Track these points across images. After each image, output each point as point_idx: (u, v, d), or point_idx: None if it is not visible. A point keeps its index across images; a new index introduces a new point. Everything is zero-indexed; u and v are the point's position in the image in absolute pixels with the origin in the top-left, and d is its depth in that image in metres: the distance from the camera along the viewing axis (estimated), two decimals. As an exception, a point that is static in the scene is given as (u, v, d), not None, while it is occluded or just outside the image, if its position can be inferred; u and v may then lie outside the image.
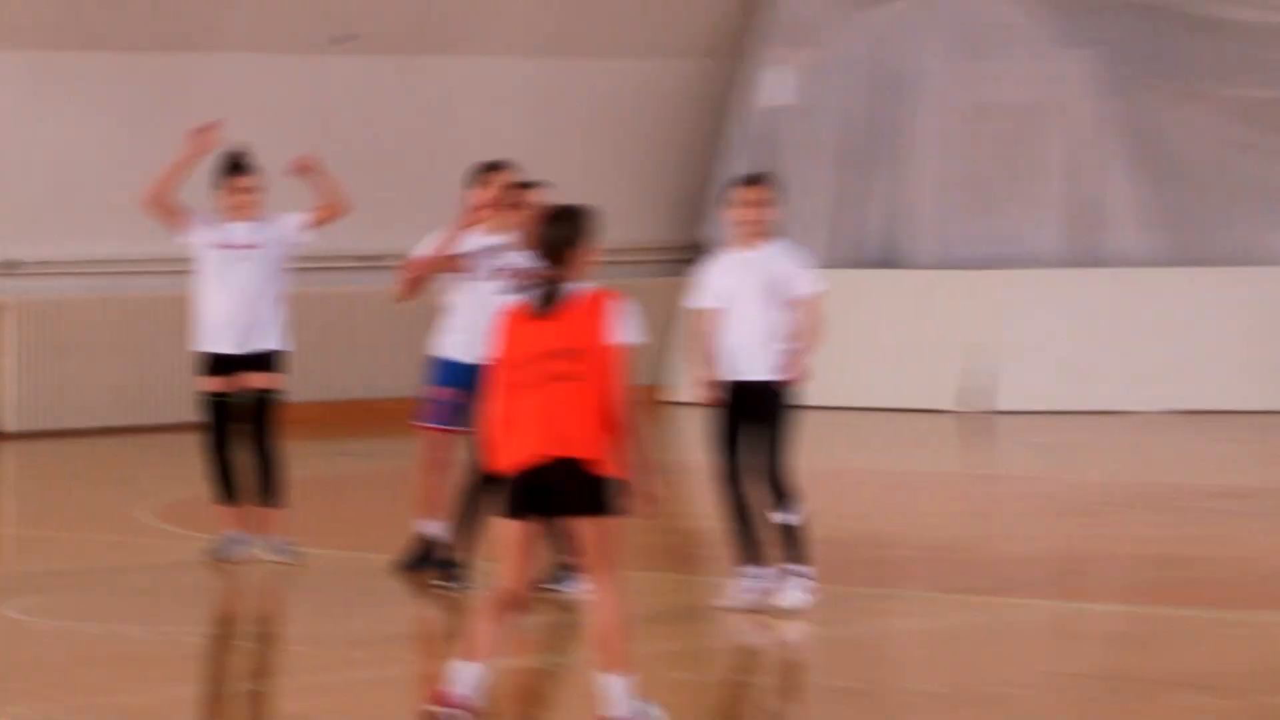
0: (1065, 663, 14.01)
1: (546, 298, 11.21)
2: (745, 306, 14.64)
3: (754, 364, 14.53)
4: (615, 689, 11.07)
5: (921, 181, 28.30)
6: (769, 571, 14.79)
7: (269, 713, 13.01)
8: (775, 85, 29.16)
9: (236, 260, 16.75)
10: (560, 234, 11.02)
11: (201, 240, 16.32)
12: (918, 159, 28.34)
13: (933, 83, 28.43)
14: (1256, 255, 27.33)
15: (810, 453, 16.35)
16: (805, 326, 14.63)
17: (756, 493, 14.77)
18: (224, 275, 16.73)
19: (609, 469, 10.87)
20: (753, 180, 14.93)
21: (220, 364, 16.18)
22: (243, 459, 16.56)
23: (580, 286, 10.95)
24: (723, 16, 30.19)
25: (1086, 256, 27.38)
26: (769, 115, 28.84)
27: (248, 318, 16.71)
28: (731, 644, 14.69)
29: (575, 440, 10.83)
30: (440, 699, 11.00)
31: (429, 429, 16.10)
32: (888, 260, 28.02)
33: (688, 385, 17.64)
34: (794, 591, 14.55)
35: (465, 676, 11.00)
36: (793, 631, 14.84)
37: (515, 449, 10.91)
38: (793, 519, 14.63)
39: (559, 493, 10.96)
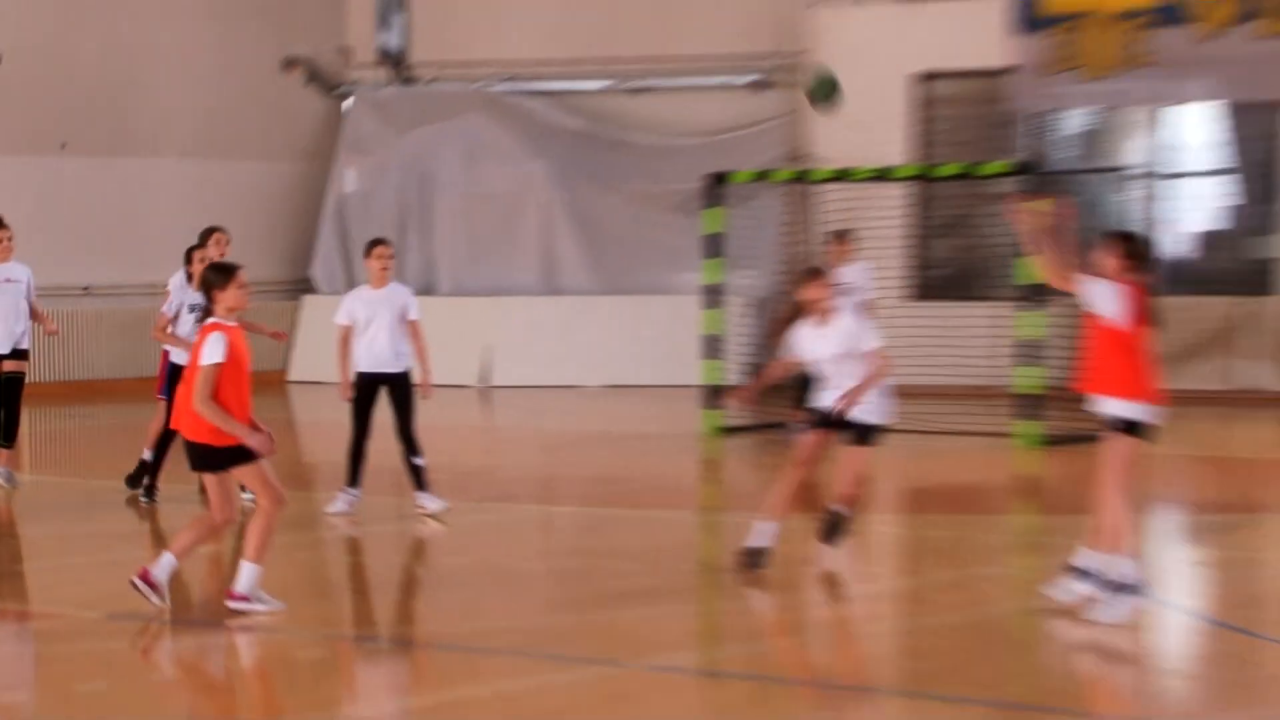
0: (548, 544, 15.18)
1: (199, 324, 11.81)
2: (380, 325, 14.84)
3: (388, 362, 14.81)
4: (247, 572, 11.26)
5: (443, 241, 28.90)
6: (357, 492, 15.10)
7: (32, 585, 13.30)
8: (349, 180, 29.41)
9: (5, 289, 16.85)
10: (207, 281, 11.22)
11: None
12: (440, 227, 28.96)
13: (448, 178, 28.90)
14: (660, 288, 27.46)
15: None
16: (420, 343, 14.98)
17: (399, 445, 15.08)
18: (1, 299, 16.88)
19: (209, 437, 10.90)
20: (381, 241, 15.37)
21: None
22: None
23: (218, 319, 11.11)
24: (316, 134, 30.07)
25: (551, 289, 28.23)
26: (346, 199, 29.31)
27: (11, 326, 16.72)
28: (341, 535, 15.00)
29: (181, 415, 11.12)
30: (144, 576, 11.11)
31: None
32: (427, 290, 26.61)
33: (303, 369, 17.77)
34: (432, 502, 14.93)
35: (164, 564, 11.17)
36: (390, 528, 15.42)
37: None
38: (420, 461, 15.12)
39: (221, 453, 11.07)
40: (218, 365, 10.85)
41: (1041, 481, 18.47)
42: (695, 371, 22.15)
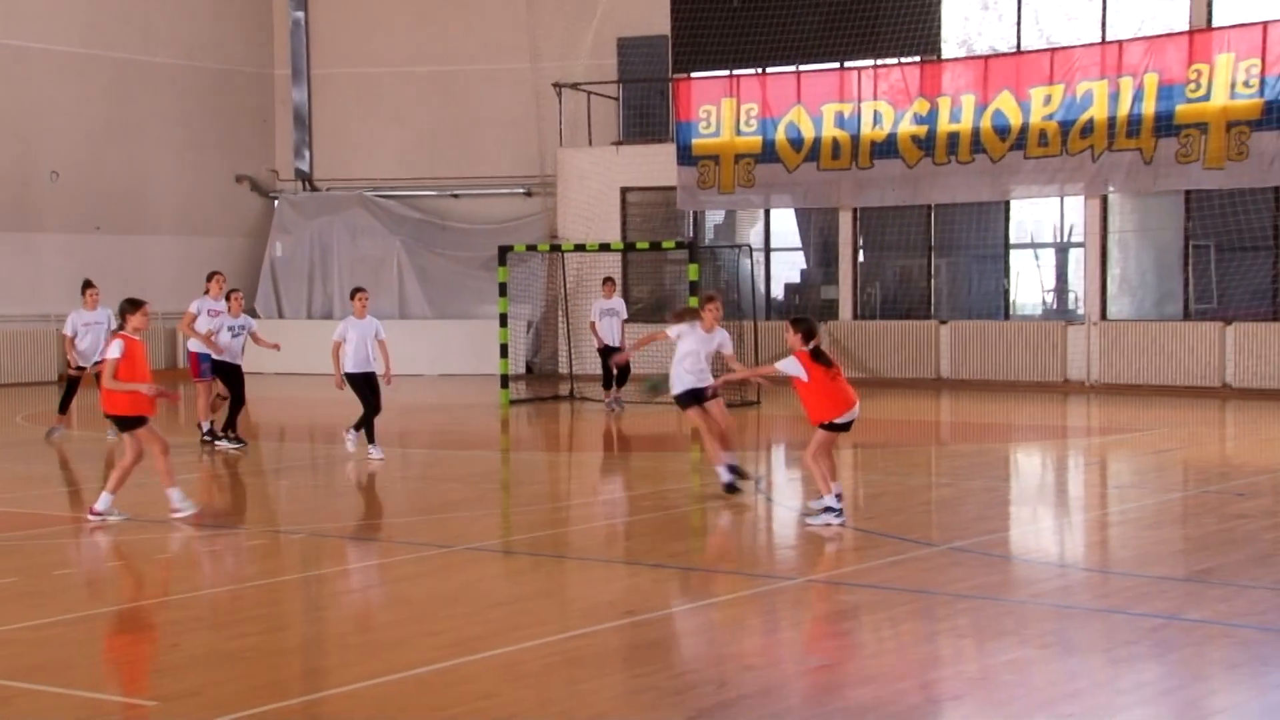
0: (405, 471, 14.26)
1: (234, 338, 12.77)
2: (362, 340, 14.15)
3: (367, 363, 14.12)
4: (174, 495, 10.78)
5: (336, 286, 27.68)
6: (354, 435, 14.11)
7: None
8: (278, 249, 28.66)
9: (93, 328, 16.01)
10: (123, 308, 10.85)
11: None
12: (335, 278, 27.88)
13: (339, 248, 28.26)
14: (472, 315, 26.65)
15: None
16: (384, 352, 14.20)
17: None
18: (91, 334, 16.00)
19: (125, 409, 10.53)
20: (361, 289, 14.53)
21: None
22: None
23: (126, 333, 10.64)
24: (257, 221, 29.39)
25: (404, 314, 26.81)
26: (276, 261, 28.53)
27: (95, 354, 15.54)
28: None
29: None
30: (91, 510, 10.66)
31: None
32: (326, 316, 27.06)
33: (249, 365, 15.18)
34: (376, 451, 13.90)
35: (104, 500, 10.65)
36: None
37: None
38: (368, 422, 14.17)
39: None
40: (118, 360, 10.66)
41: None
42: (494, 364, 21.93)
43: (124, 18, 27.58)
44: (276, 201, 29.81)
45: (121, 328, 10.81)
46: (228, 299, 15.34)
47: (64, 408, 16.34)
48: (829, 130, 24.27)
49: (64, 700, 6.27)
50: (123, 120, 27.46)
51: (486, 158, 28.77)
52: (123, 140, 27.47)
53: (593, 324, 20.02)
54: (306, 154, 30.11)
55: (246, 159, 29.74)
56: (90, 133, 26.97)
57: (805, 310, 25.50)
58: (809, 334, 10.52)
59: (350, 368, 14.35)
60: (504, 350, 21.42)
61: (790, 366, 10.44)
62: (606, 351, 19.50)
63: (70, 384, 16.34)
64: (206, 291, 15.83)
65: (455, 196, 29.24)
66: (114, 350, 10.83)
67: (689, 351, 11.91)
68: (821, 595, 8.44)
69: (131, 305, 10.92)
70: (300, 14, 29.81)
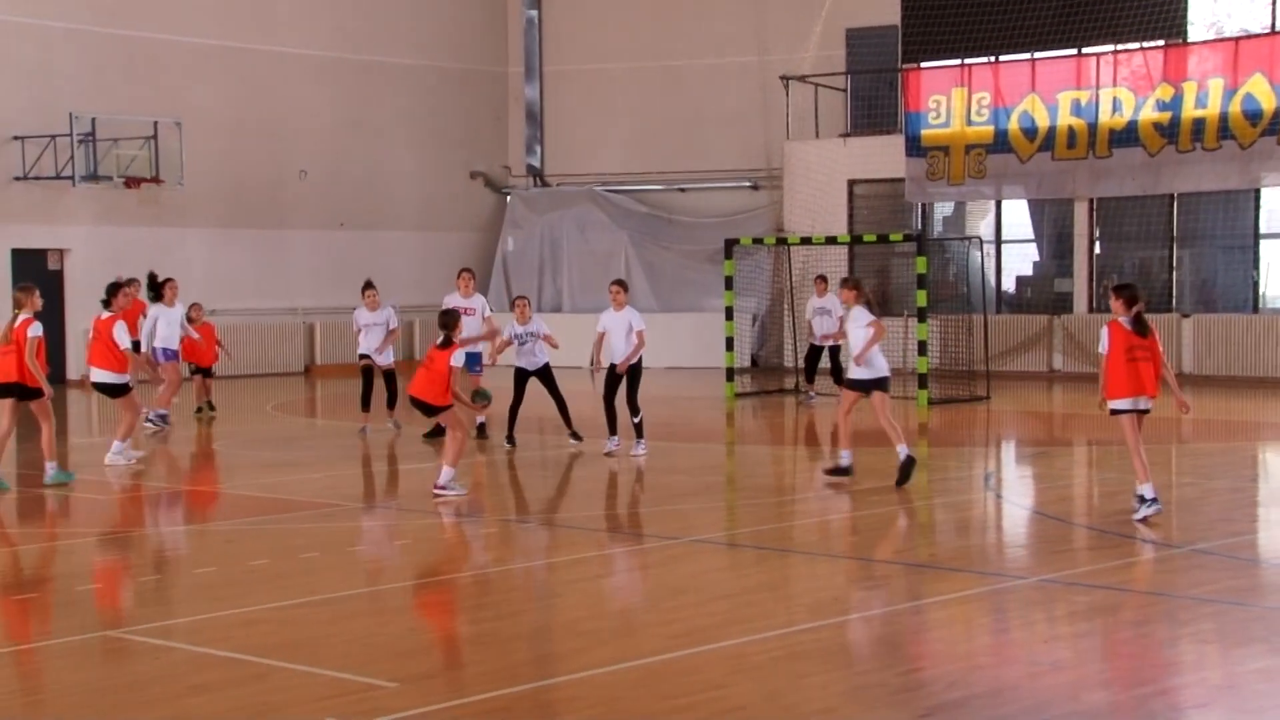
0: (634, 464, 13.85)
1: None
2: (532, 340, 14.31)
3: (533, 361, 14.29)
4: (446, 472, 11.33)
5: (566, 280, 28.37)
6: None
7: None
8: (509, 243, 29.17)
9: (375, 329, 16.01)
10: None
11: None
12: (564, 272, 28.52)
13: (568, 243, 28.53)
14: (697, 308, 26.54)
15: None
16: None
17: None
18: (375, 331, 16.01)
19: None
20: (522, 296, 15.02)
21: None
22: None
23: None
24: (490, 217, 29.85)
25: None
26: (508, 255, 29.06)
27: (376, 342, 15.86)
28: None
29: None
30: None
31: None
32: (556, 309, 27.15)
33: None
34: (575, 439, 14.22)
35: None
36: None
37: None
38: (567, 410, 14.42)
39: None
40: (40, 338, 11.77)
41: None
42: (720, 358, 21.97)
43: (368, 21, 28.46)
44: (509, 197, 30.25)
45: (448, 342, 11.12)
46: (512, 307, 15.12)
47: (366, 404, 16.17)
48: (1064, 119, 23.62)
49: (312, 679, 6.54)
50: (365, 120, 28.21)
51: (713, 151, 28.69)
52: (365, 139, 28.21)
53: (808, 322, 19.84)
54: (538, 150, 30.54)
55: (480, 156, 30.25)
56: (336, 132, 27.91)
57: (1038, 303, 24.91)
58: (1131, 300, 10.15)
59: (522, 361, 14.59)
60: (729, 343, 21.35)
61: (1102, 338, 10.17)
62: (816, 349, 19.24)
63: (365, 376, 16.16)
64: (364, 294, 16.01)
65: (682, 190, 29.26)
66: (36, 329, 11.84)
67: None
68: (1055, 596, 8.20)
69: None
70: (534, 13, 30.25)
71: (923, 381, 19.41)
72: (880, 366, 11.93)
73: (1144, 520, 9.97)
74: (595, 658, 6.87)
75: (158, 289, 16.72)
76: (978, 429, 17.01)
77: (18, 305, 12.00)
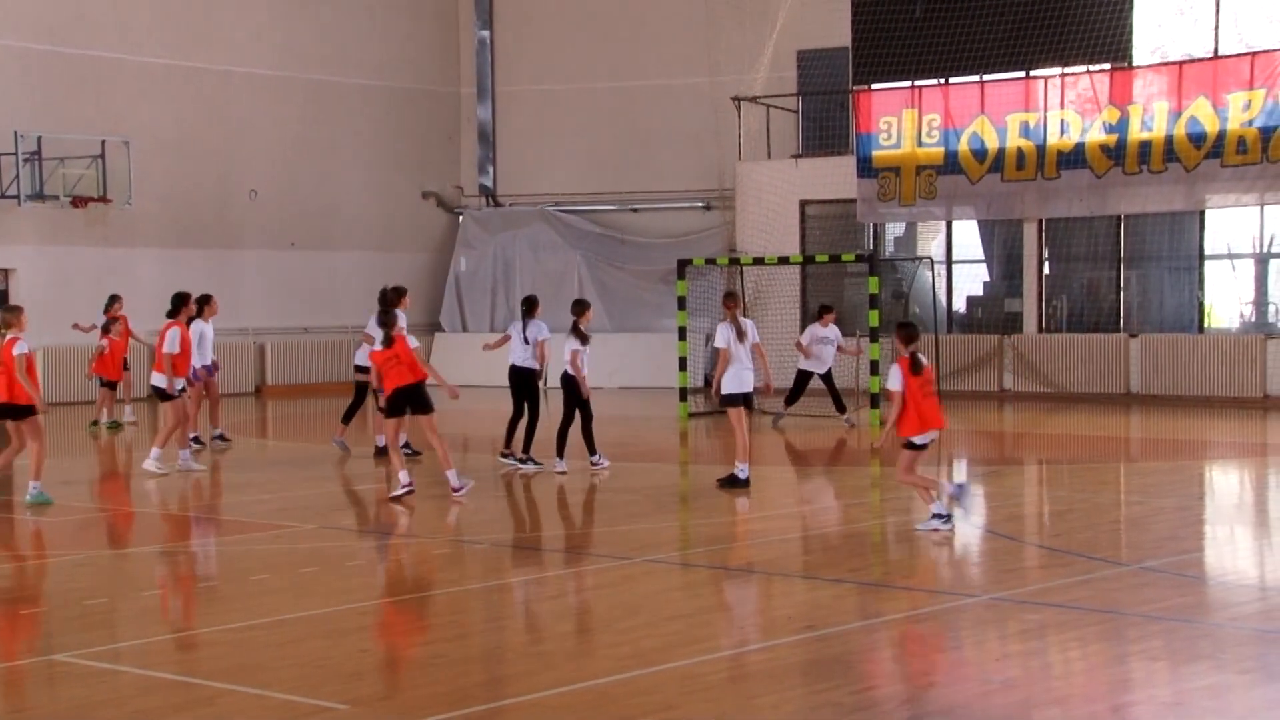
0: (589, 483, 14.01)
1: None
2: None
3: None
4: (451, 474, 12.00)
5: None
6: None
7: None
8: (462, 263, 29.22)
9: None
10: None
11: None
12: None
13: (521, 262, 28.69)
14: (650, 329, 26.90)
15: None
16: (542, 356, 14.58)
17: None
18: None
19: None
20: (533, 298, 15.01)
21: None
22: None
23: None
24: (442, 237, 29.79)
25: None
26: (460, 275, 29.10)
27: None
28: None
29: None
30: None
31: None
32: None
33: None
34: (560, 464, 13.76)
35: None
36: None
37: None
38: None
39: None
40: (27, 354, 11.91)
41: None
42: (673, 378, 21.98)
43: (319, 41, 28.42)
44: (461, 217, 30.33)
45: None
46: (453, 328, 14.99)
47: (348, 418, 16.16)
48: (1014, 140, 23.82)
49: (261, 701, 6.48)
50: (316, 139, 28.30)
51: (665, 172, 28.78)
52: (316, 159, 28.18)
53: (800, 344, 19.70)
54: (490, 170, 30.62)
55: (432, 176, 30.28)
56: (286, 152, 27.87)
57: (989, 323, 25.05)
58: (909, 339, 10.54)
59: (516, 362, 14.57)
60: (683, 364, 21.36)
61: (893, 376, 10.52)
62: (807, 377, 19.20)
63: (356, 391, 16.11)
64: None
65: (635, 211, 29.39)
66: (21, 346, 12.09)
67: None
68: (1006, 614, 8.23)
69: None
70: (485, 33, 30.35)
71: (874, 401, 19.44)
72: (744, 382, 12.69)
73: (932, 530, 10.31)
74: (547, 679, 6.86)
75: (200, 306, 16.66)
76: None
77: (5, 325, 12.04)
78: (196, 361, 16.37)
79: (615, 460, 15.09)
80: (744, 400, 12.74)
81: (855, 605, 8.56)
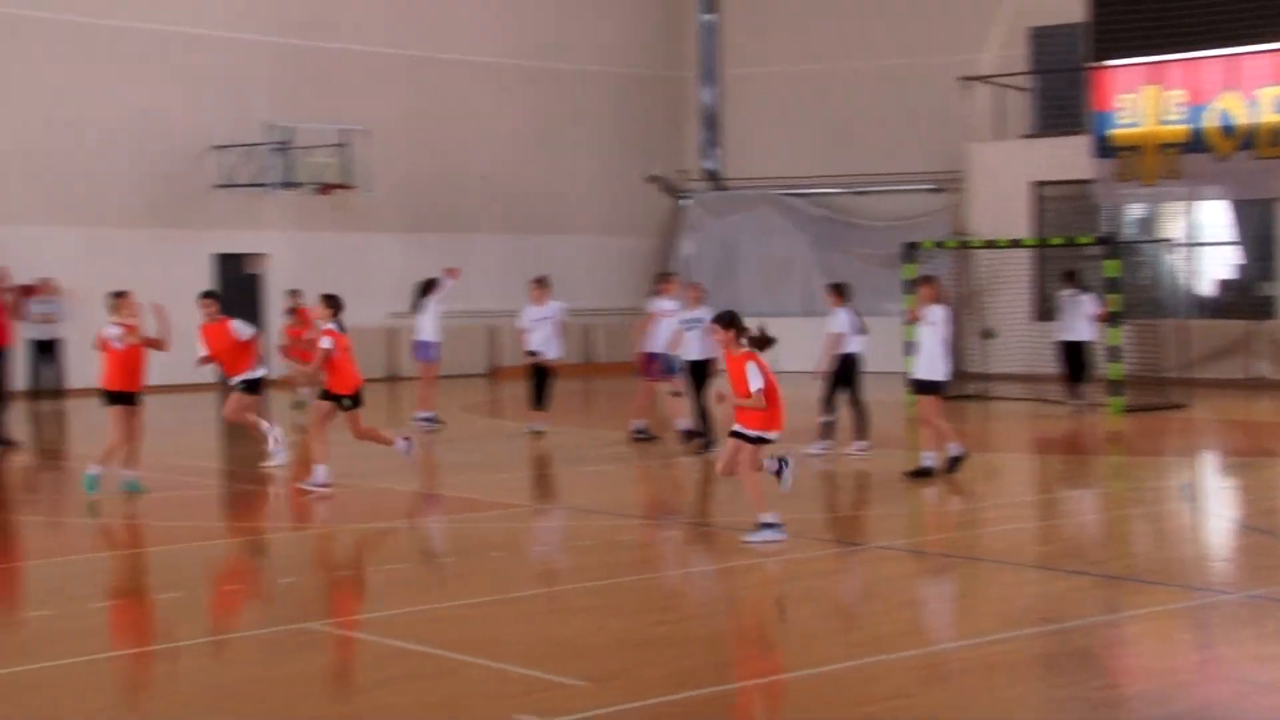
0: (828, 467, 13.78)
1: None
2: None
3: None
4: (319, 472, 11.60)
5: (742, 283, 28.18)
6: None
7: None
8: (687, 247, 29.35)
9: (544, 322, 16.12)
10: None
11: None
12: (740, 275, 28.52)
13: (745, 246, 28.67)
14: (876, 312, 26.74)
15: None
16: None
17: None
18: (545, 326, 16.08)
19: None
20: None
21: None
22: None
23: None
24: (666, 221, 29.93)
25: (807, 312, 26.02)
26: (684, 259, 29.02)
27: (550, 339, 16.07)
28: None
29: None
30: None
31: None
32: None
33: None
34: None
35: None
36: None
37: None
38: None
39: None
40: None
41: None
42: (899, 362, 20.72)
43: (547, 29, 28.81)
44: (686, 201, 30.25)
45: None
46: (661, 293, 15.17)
47: (536, 402, 16.28)
48: (1268, 115, 22.57)
49: (502, 675, 6.59)
50: (544, 126, 28.69)
51: (894, 154, 28.20)
52: (543, 145, 28.56)
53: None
54: (715, 154, 30.57)
55: (657, 160, 30.38)
56: (514, 139, 28.35)
57: (1239, 308, 24.00)
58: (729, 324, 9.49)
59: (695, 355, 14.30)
60: (1114, 353, 20.58)
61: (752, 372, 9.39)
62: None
63: (534, 375, 16.31)
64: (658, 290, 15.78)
65: (862, 193, 29.08)
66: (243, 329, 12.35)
67: None
68: (1265, 612, 7.85)
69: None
70: (712, 17, 30.29)
71: (1116, 388, 18.78)
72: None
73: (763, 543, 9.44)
74: (776, 663, 6.83)
75: (427, 288, 17.32)
76: (1174, 438, 16.38)
77: (114, 311, 11.94)
78: (423, 336, 16.93)
79: (843, 445, 14.89)
80: (938, 388, 12.42)
81: (1097, 599, 8.23)
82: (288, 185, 24.46)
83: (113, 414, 11.95)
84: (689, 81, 30.59)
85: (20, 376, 18.29)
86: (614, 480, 12.81)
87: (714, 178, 30.54)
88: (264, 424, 13.44)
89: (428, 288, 17.55)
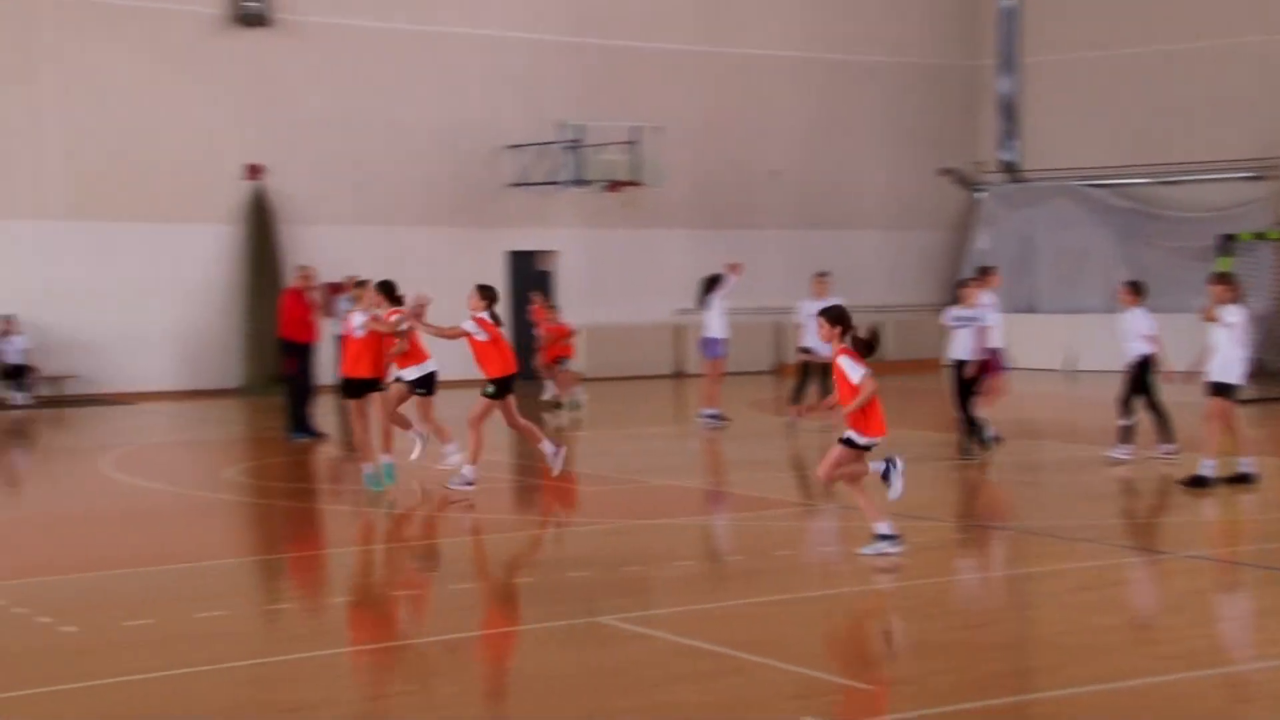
0: (1116, 472, 13.33)
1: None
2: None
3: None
4: (466, 471, 11.55)
5: (1040, 279, 27.80)
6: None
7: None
8: (982, 241, 28.71)
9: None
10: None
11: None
12: (1038, 270, 27.66)
13: (1042, 240, 27.96)
14: (1182, 308, 23.20)
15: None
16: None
17: None
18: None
19: None
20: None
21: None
22: None
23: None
24: (960, 214, 29.46)
25: (1110, 309, 22.76)
26: (980, 253, 27.97)
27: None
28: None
29: None
30: None
31: None
32: (1029, 309, 26.97)
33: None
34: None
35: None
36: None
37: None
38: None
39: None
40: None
41: None
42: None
43: (839, 20, 28.73)
44: (981, 194, 29.72)
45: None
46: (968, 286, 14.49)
47: (798, 398, 16.38)
48: None
49: (788, 675, 6.60)
50: (834, 119, 28.68)
51: (1206, 141, 27.21)
52: (833, 138, 28.63)
53: None
54: (1013, 145, 29.79)
55: (949, 152, 29.90)
56: (804, 132, 28.37)
57: None
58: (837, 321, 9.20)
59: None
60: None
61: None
62: None
63: (802, 371, 16.41)
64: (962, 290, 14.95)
65: (1171, 183, 27.94)
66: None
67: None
68: None
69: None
70: (1012, 2, 29.54)
71: None
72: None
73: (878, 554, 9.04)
74: (1076, 675, 6.56)
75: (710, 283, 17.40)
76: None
77: (356, 300, 12.15)
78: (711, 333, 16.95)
79: (1149, 448, 14.27)
80: (1231, 391, 11.91)
81: None
82: (578, 183, 25.08)
83: (353, 406, 12.03)
84: (986, 70, 29.97)
85: (328, 371, 18.99)
86: (912, 481, 12.50)
87: (1011, 169, 29.84)
88: (420, 427, 12.52)
89: (712, 284, 17.77)
